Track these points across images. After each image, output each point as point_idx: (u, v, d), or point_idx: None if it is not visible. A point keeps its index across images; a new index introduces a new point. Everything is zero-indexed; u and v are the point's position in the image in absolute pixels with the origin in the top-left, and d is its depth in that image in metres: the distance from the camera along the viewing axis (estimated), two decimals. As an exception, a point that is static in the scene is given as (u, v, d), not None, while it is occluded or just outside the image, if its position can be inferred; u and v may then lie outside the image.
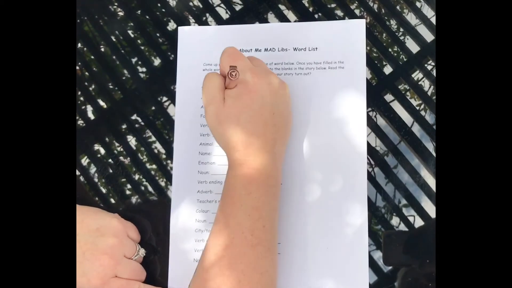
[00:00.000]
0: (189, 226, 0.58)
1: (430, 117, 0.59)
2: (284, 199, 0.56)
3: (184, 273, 0.56)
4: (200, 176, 0.59)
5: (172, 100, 0.62)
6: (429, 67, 0.60)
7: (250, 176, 0.49)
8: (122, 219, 0.56)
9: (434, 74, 0.60)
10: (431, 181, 0.58)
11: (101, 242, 0.52)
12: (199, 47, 0.62)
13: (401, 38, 0.62)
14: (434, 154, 0.58)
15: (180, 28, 0.63)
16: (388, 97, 0.60)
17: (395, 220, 0.57)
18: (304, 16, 0.63)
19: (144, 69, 0.64)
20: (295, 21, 0.63)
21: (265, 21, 0.63)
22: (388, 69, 0.61)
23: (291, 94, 0.56)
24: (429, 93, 0.60)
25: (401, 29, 0.62)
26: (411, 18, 0.62)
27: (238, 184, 0.50)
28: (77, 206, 0.55)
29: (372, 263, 0.56)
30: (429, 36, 0.61)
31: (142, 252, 0.55)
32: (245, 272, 0.47)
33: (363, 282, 0.55)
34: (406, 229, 0.57)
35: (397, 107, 0.59)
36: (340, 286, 0.55)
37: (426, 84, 0.60)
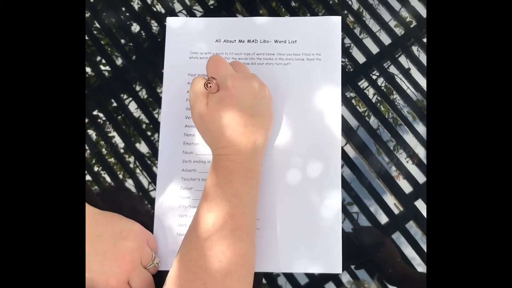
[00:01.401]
0: (174, 202, 0.61)
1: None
2: (264, 182, 0.59)
3: (168, 247, 0.60)
4: (185, 156, 0.62)
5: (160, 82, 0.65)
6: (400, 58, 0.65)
7: (231, 168, 0.53)
8: (142, 227, 0.58)
9: (406, 66, 0.64)
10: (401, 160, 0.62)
11: (123, 244, 0.55)
12: (186, 37, 0.65)
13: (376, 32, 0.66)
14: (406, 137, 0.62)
15: (168, 18, 0.66)
16: (363, 84, 0.64)
17: (368, 202, 0.61)
18: (290, 13, 0.67)
19: (136, 54, 0.67)
20: (278, 16, 0.66)
21: (255, 15, 0.66)
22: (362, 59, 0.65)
23: (272, 82, 0.59)
24: (403, 86, 0.64)
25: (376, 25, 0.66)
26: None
27: (220, 174, 0.53)
28: (103, 212, 0.58)
29: (345, 240, 0.59)
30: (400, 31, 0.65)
31: (157, 261, 0.57)
32: (225, 253, 0.50)
33: (337, 257, 0.58)
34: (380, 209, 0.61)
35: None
36: (315, 262, 0.58)
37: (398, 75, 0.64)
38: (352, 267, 0.59)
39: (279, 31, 0.64)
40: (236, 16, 0.67)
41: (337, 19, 0.64)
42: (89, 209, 0.57)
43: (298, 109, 0.62)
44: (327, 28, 0.64)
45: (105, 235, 0.55)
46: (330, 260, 0.58)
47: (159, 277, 0.58)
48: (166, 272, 0.57)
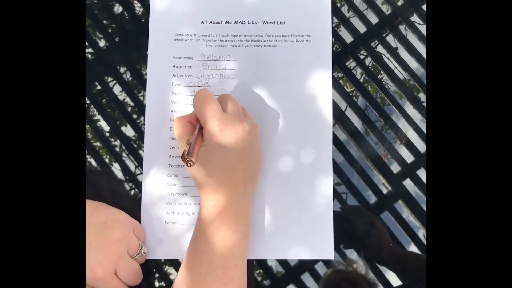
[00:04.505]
0: (161, 190, 0.60)
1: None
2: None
3: (155, 235, 0.59)
4: (171, 142, 0.61)
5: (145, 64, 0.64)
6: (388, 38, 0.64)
7: (222, 215, 0.51)
8: (128, 216, 0.57)
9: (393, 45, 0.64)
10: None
11: (108, 234, 0.53)
12: (171, 18, 0.63)
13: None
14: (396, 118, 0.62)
15: (152, -2, 0.64)
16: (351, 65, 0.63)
17: (356, 182, 0.61)
18: None
19: (119, 35, 0.66)
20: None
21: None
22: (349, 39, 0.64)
23: (260, 65, 0.60)
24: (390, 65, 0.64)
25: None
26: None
27: (210, 223, 0.51)
28: (89, 200, 0.56)
29: (337, 225, 0.59)
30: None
31: (145, 250, 0.57)
32: None
33: (329, 243, 0.59)
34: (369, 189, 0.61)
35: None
36: (307, 248, 0.59)
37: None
38: (341, 246, 0.59)
39: (267, 12, 0.63)
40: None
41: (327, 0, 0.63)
42: None
43: (287, 93, 0.61)
44: (317, 9, 0.63)
45: (90, 225, 0.53)
46: (322, 247, 0.58)
47: (147, 266, 0.57)
48: (153, 262, 0.58)
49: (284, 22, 0.63)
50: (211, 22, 0.63)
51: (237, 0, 0.64)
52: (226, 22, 0.63)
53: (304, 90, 0.61)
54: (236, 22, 0.63)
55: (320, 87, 0.61)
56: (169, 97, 0.62)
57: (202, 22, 0.63)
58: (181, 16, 0.63)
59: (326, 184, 0.59)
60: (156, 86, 0.62)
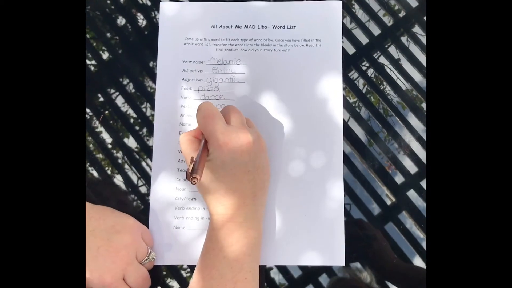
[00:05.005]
0: (170, 195, 0.60)
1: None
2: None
3: (163, 241, 0.59)
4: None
5: (153, 73, 0.63)
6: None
7: (231, 229, 0.51)
8: (137, 221, 0.57)
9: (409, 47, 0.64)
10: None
11: (116, 239, 0.53)
12: (181, 22, 0.64)
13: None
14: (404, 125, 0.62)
15: (162, 3, 0.64)
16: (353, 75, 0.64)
17: (359, 193, 0.61)
18: None
19: (122, 48, 0.66)
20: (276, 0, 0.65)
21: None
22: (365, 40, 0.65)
23: (270, 69, 0.60)
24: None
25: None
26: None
27: (219, 237, 0.51)
28: (95, 206, 0.56)
29: (347, 232, 0.59)
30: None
31: (153, 255, 0.56)
32: None
33: (340, 249, 0.58)
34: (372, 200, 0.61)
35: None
36: (318, 254, 0.58)
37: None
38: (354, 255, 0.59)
39: (278, 16, 0.63)
40: (233, 1, 0.65)
41: (338, 4, 0.64)
42: None
43: (297, 97, 0.61)
44: (327, 13, 0.63)
45: (97, 230, 0.53)
46: (333, 253, 0.58)
47: (155, 272, 0.57)
48: (162, 267, 0.57)
49: (294, 26, 0.63)
50: (221, 26, 0.63)
51: (247, 5, 0.64)
52: (236, 27, 0.63)
53: (315, 94, 0.61)
54: (246, 26, 0.63)
55: (331, 91, 0.61)
56: (178, 102, 0.62)
57: (212, 26, 0.63)
58: (191, 21, 0.64)
59: (337, 188, 0.59)
60: (166, 90, 0.62)
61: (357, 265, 0.59)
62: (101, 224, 0.54)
